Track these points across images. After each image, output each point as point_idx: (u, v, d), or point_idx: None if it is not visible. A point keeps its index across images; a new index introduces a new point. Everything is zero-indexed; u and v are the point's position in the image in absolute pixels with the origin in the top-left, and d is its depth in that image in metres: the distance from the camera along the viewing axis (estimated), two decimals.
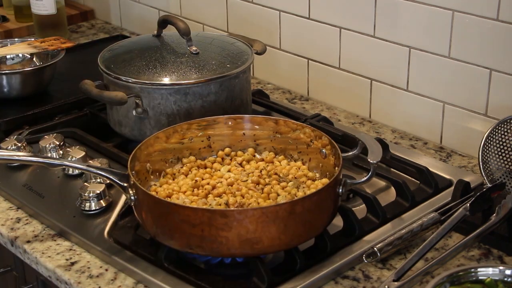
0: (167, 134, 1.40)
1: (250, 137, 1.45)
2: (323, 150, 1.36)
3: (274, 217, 1.17)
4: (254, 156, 1.43)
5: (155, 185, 1.35)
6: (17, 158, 1.39)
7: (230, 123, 1.44)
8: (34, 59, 1.92)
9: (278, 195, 1.29)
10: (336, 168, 1.29)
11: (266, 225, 1.16)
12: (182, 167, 1.40)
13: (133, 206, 1.27)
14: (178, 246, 1.22)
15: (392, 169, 1.53)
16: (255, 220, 1.16)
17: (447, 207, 1.34)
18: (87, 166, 1.31)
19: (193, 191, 1.31)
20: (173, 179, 1.37)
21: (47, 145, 1.57)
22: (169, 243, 1.23)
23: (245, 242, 1.17)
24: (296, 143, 1.41)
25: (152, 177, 1.37)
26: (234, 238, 1.16)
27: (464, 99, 1.59)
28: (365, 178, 1.28)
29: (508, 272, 1.12)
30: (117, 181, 1.27)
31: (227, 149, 1.45)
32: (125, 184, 1.26)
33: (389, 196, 1.45)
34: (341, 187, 1.27)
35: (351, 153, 1.34)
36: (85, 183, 1.44)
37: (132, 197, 1.25)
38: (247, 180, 1.33)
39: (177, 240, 1.21)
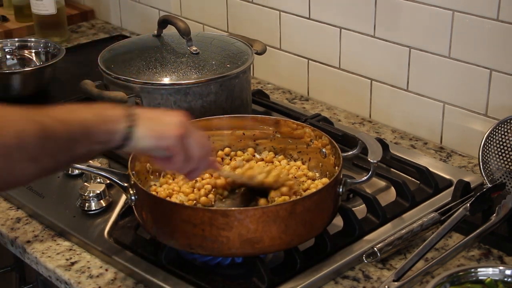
0: None
1: (250, 137, 1.45)
2: (323, 150, 1.36)
3: (274, 216, 1.16)
4: (254, 156, 1.43)
5: (155, 185, 1.35)
6: None
7: (230, 123, 1.44)
8: (34, 59, 1.92)
9: None
10: (336, 168, 1.29)
11: (266, 224, 1.16)
12: None
13: (133, 206, 1.27)
14: (178, 246, 1.22)
15: (392, 169, 1.53)
16: (255, 220, 1.16)
17: (447, 207, 1.34)
18: (87, 166, 1.31)
19: (193, 191, 1.31)
20: (173, 179, 1.37)
21: None
22: (170, 243, 1.22)
23: (246, 241, 1.17)
24: (296, 143, 1.41)
25: (152, 177, 1.36)
26: (235, 238, 1.16)
27: (464, 99, 1.59)
28: (365, 178, 1.28)
29: (508, 272, 1.12)
30: (118, 181, 1.27)
31: (227, 149, 1.44)
32: (126, 184, 1.26)
33: (389, 196, 1.45)
34: (341, 187, 1.27)
35: (351, 153, 1.34)
36: (85, 183, 1.44)
37: (132, 197, 1.25)
38: None
39: (177, 240, 1.21)
